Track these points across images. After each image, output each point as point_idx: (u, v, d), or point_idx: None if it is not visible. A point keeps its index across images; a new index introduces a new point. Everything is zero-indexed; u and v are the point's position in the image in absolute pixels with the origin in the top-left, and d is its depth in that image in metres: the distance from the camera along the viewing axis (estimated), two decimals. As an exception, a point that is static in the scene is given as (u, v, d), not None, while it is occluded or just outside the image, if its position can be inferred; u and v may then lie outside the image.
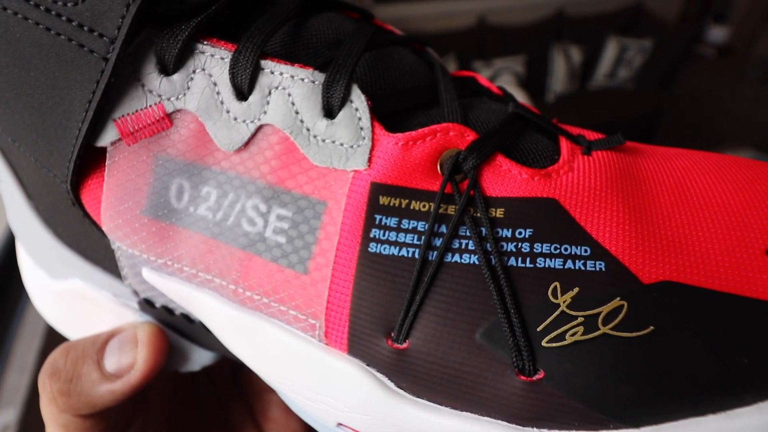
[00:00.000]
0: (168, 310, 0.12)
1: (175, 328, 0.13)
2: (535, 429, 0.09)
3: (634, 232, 0.09)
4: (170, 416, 0.15)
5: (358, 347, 0.10)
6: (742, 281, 0.08)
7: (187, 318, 0.12)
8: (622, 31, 2.28)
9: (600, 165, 0.10)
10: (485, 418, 0.09)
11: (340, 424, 0.11)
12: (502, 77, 1.98)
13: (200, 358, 0.13)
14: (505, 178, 0.09)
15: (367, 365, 0.10)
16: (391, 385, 0.10)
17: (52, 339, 0.55)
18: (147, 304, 0.12)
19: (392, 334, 0.09)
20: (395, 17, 1.91)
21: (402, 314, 0.09)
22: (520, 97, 0.73)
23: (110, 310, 0.13)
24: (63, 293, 0.13)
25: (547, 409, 0.09)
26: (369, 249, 0.09)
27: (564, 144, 0.10)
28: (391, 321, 0.09)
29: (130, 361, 0.12)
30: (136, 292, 0.12)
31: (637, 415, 0.08)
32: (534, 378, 0.09)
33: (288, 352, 0.10)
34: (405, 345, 0.09)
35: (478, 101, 0.11)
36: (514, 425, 0.09)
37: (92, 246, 0.12)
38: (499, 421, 0.09)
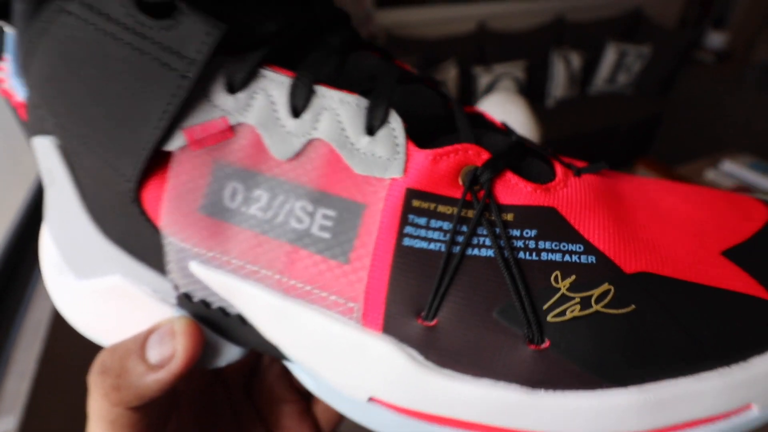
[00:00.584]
0: (205, 304, 0.13)
1: (210, 321, 0.14)
2: (542, 390, 0.11)
3: (617, 235, 0.11)
4: (196, 420, 0.17)
5: (393, 326, 0.11)
6: (701, 273, 0.10)
7: (223, 311, 0.13)
8: (622, 36, 2.29)
9: (588, 184, 0.12)
10: (501, 382, 0.11)
11: (371, 399, 0.12)
12: (502, 82, 1.98)
13: (229, 354, 0.14)
14: (514, 190, 0.12)
15: (400, 341, 0.11)
16: (420, 358, 0.11)
17: (53, 345, 0.55)
18: (185, 299, 0.13)
19: (422, 314, 0.11)
20: (396, 22, 1.92)
21: (431, 297, 0.11)
22: (520, 107, 0.75)
23: (147, 305, 0.14)
24: (99, 291, 0.14)
25: (552, 373, 0.10)
26: (403, 243, 0.11)
27: (558, 167, 0.12)
28: (421, 303, 0.11)
29: (170, 352, 0.13)
30: (176, 287, 0.13)
31: (624, 377, 0.10)
32: (542, 346, 0.11)
33: (326, 335, 0.12)
34: (434, 322, 0.11)
35: (485, 131, 0.13)
36: (525, 387, 0.11)
37: (141, 242, 0.13)
38: (513, 384, 0.11)
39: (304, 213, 0.12)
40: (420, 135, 0.12)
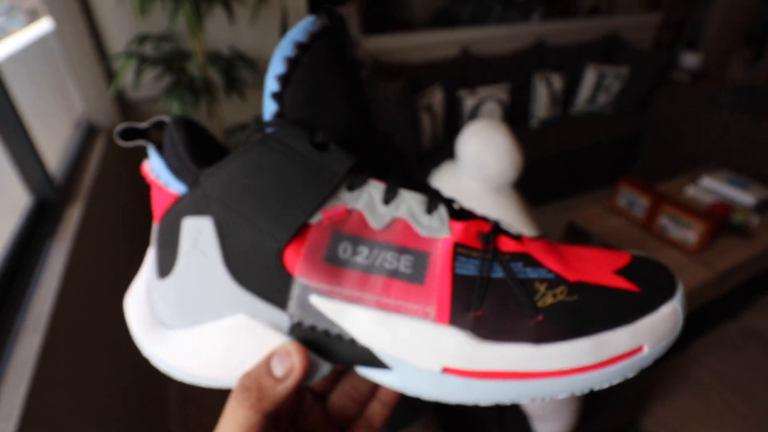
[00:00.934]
0: (312, 329, 0.19)
1: (312, 343, 0.20)
2: (543, 344, 0.18)
3: (561, 264, 0.20)
4: None
5: (455, 319, 0.19)
6: (607, 281, 0.19)
7: (326, 332, 0.19)
8: (600, 59, 2.38)
9: (541, 243, 0.21)
10: (520, 343, 0.18)
11: (444, 369, 0.19)
12: (486, 105, 2.03)
13: (323, 369, 0.20)
14: (506, 243, 0.20)
15: (460, 328, 0.18)
16: (473, 335, 0.18)
17: (39, 387, 0.54)
18: (297, 326, 0.19)
19: (472, 309, 0.19)
20: (383, 48, 1.96)
21: (476, 297, 0.19)
22: (502, 133, 0.77)
23: (264, 334, 0.20)
24: (220, 329, 0.20)
25: (546, 333, 0.18)
26: (456, 271, 0.19)
27: (523, 236, 0.21)
28: (470, 303, 0.19)
29: (290, 366, 0.19)
30: (291, 317, 0.19)
31: (581, 332, 0.18)
32: (538, 319, 0.18)
33: (412, 331, 0.19)
34: (479, 313, 0.19)
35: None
36: (533, 343, 0.18)
37: (272, 286, 0.19)
38: (527, 343, 0.18)
39: (393, 258, 0.19)
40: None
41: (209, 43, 1.43)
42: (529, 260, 0.20)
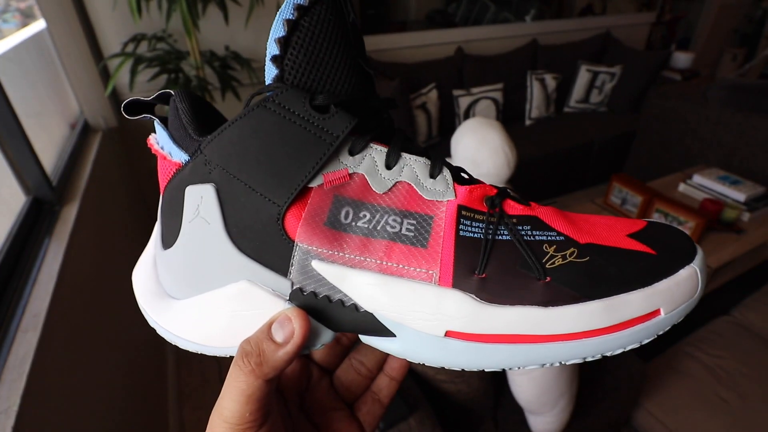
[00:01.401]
0: (314, 294, 0.19)
1: (314, 310, 0.19)
2: (551, 306, 0.18)
3: (571, 227, 0.19)
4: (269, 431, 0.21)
5: (459, 281, 0.18)
6: (619, 243, 0.19)
7: (328, 298, 0.19)
8: (593, 58, 2.39)
9: (550, 208, 0.21)
10: (527, 306, 0.18)
11: (448, 332, 0.18)
12: (481, 104, 2.04)
13: (324, 337, 0.20)
14: (513, 207, 0.20)
15: (464, 291, 0.18)
16: (477, 299, 0.18)
17: (36, 384, 0.54)
18: (299, 292, 0.19)
19: (476, 272, 0.18)
20: (378, 48, 1.97)
21: (480, 260, 0.18)
22: (496, 130, 0.78)
23: (265, 300, 0.19)
24: (223, 296, 0.20)
25: (554, 295, 0.18)
26: (460, 233, 0.19)
27: (532, 202, 0.21)
28: (474, 265, 0.18)
29: (290, 331, 0.18)
30: (293, 284, 0.19)
31: (592, 294, 0.18)
32: (546, 280, 0.18)
33: (415, 294, 0.18)
34: (484, 275, 0.18)
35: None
36: (541, 306, 0.18)
37: (273, 251, 0.19)
38: (534, 306, 0.18)
39: (396, 222, 0.19)
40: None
41: (205, 43, 1.44)
42: (537, 223, 0.19)
